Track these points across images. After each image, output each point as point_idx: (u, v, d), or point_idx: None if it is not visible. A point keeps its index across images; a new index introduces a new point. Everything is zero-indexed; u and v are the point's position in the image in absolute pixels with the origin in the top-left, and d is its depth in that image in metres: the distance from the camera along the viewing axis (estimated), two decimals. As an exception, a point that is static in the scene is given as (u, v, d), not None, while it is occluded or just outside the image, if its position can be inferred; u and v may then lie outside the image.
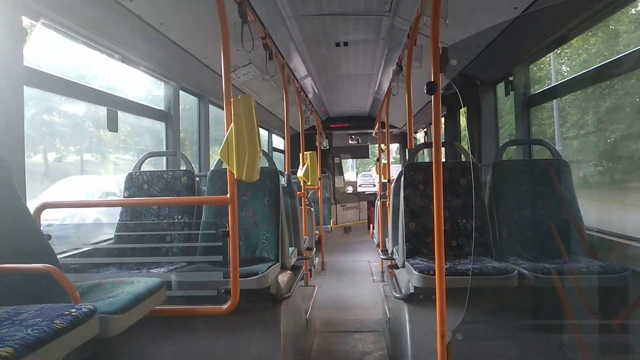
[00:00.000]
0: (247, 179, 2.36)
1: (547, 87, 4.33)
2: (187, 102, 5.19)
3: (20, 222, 2.15)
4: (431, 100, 2.34)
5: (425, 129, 9.31)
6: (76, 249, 3.01)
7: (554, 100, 4.33)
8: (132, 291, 2.07)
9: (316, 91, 7.83)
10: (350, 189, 12.15)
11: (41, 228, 2.35)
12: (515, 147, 4.48)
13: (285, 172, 4.68)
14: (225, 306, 2.45)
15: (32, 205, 2.44)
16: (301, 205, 5.36)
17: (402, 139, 11.17)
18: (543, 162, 3.51)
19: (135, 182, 3.57)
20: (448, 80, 3.93)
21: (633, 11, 3.40)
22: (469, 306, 2.40)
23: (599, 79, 3.40)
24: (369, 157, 13.25)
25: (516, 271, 2.71)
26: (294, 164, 5.93)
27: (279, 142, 9.41)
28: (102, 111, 3.64)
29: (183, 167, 3.95)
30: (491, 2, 3.38)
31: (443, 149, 5.88)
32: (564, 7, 3.11)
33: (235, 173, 2.36)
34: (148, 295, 2.12)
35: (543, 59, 4.53)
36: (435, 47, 2.29)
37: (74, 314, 1.58)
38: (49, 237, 2.34)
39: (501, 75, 4.72)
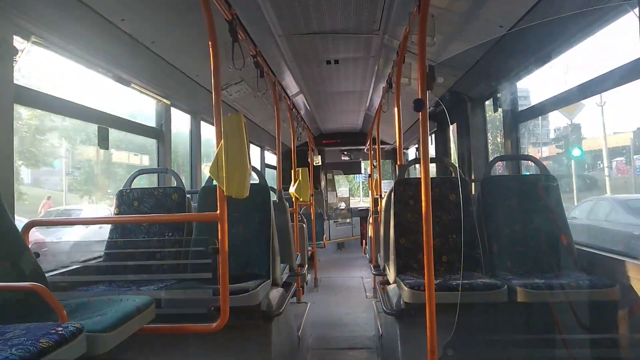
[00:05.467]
0: (237, 196, 2.37)
1: (534, 104, 4.41)
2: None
3: (8, 240, 2.14)
4: (419, 117, 2.37)
5: (417, 145, 9.37)
6: (65, 266, 2.98)
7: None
8: (120, 309, 2.05)
9: (308, 108, 7.88)
10: (343, 205, 12.15)
11: (29, 246, 2.34)
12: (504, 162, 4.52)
13: (277, 189, 4.69)
14: (215, 324, 2.43)
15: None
16: (293, 222, 5.36)
17: (394, 155, 11.24)
18: (531, 177, 3.55)
19: (126, 199, 3.56)
20: (437, 98, 3.99)
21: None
22: (460, 322, 2.41)
23: (584, 95, 3.47)
24: (361, 173, 13.29)
25: (506, 286, 2.72)
26: (286, 181, 5.94)
27: (271, 159, 9.42)
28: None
29: (174, 184, 3.95)
30: (477, 21, 3.45)
31: (434, 165, 5.94)
32: (548, 26, 3.18)
33: (225, 190, 2.37)
34: (137, 313, 2.10)
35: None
36: (422, 65, 2.33)
37: (60, 332, 1.57)
38: (37, 255, 2.33)
39: (489, 92, 4.79)
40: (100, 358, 1.83)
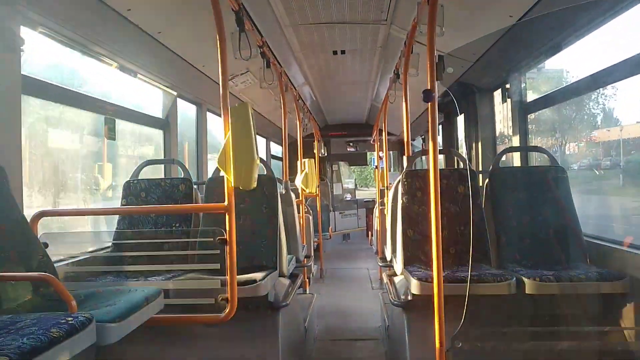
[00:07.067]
0: (244, 187, 2.37)
1: (543, 94, 4.36)
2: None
3: (17, 231, 2.15)
4: (428, 108, 2.35)
5: (423, 136, 9.32)
6: (74, 257, 3.00)
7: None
8: (129, 299, 2.06)
9: (314, 99, 7.85)
10: (348, 196, 12.14)
11: (38, 236, 2.35)
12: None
13: (284, 180, 4.68)
14: (223, 314, 2.44)
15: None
16: (299, 213, 5.36)
17: (399, 146, 11.19)
18: (540, 168, 3.52)
19: (133, 190, 3.57)
20: (445, 88, 3.95)
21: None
22: (468, 313, 2.40)
23: (595, 86, 3.42)
24: (367, 165, 13.26)
25: (514, 278, 2.71)
26: (292, 172, 5.93)
27: (277, 150, 9.42)
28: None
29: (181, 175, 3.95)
30: (487, 11, 3.41)
31: (441, 156, 5.90)
32: (558, 16, 3.13)
33: (232, 181, 2.36)
34: (145, 303, 2.11)
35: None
36: (431, 55, 2.30)
37: (70, 322, 1.58)
38: (46, 245, 2.34)
39: (498, 83, 4.75)
40: (109, 348, 1.84)
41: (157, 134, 4.63)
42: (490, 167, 3.59)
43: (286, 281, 3.48)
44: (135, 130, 4.55)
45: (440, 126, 6.44)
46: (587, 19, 3.22)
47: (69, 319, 1.60)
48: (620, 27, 3.19)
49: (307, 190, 5.73)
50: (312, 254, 6.02)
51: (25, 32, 2.56)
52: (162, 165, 4.50)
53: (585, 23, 3.27)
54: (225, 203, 2.42)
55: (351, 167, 13.35)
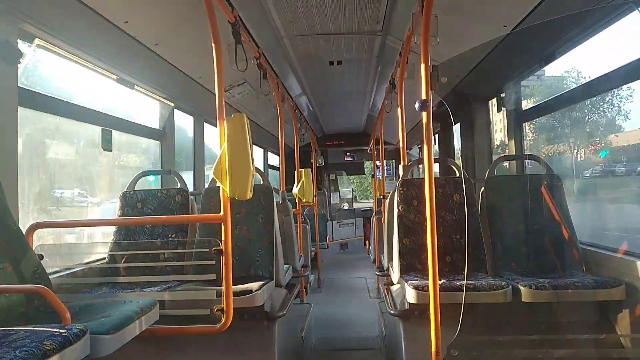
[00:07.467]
0: (239, 197, 2.37)
1: (538, 103, 4.39)
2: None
3: (12, 242, 2.14)
4: (423, 117, 2.36)
5: (419, 145, 9.34)
6: (69, 268, 2.98)
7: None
8: (124, 311, 2.05)
9: (311, 109, 7.89)
10: (346, 206, 12.13)
11: (33, 248, 2.34)
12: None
13: (281, 190, 4.69)
14: (219, 325, 2.43)
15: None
16: (296, 223, 5.36)
17: (397, 155, 11.20)
18: (535, 177, 3.52)
19: (129, 201, 3.56)
20: (440, 98, 3.98)
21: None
22: (464, 322, 2.39)
23: (588, 94, 3.45)
24: (364, 174, 13.28)
25: (510, 286, 2.71)
26: (289, 181, 5.93)
27: (275, 160, 9.43)
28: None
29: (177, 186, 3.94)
30: (481, 21, 3.45)
31: (437, 165, 5.92)
32: (552, 25, 3.17)
33: (228, 191, 2.37)
34: (140, 314, 2.10)
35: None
36: (426, 65, 2.32)
37: (64, 334, 1.57)
38: (41, 257, 2.33)
39: (493, 92, 4.77)
40: None
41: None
42: (486, 176, 3.60)
43: (283, 291, 3.47)
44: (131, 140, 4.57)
45: (437, 135, 6.46)
46: (581, 28, 3.25)
47: (63, 331, 1.59)
48: (613, 35, 3.23)
49: (304, 200, 5.72)
50: (310, 263, 6.00)
51: (22, 45, 2.58)
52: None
53: (579, 32, 3.31)
54: (221, 213, 2.42)
55: (349, 176, 13.34)
